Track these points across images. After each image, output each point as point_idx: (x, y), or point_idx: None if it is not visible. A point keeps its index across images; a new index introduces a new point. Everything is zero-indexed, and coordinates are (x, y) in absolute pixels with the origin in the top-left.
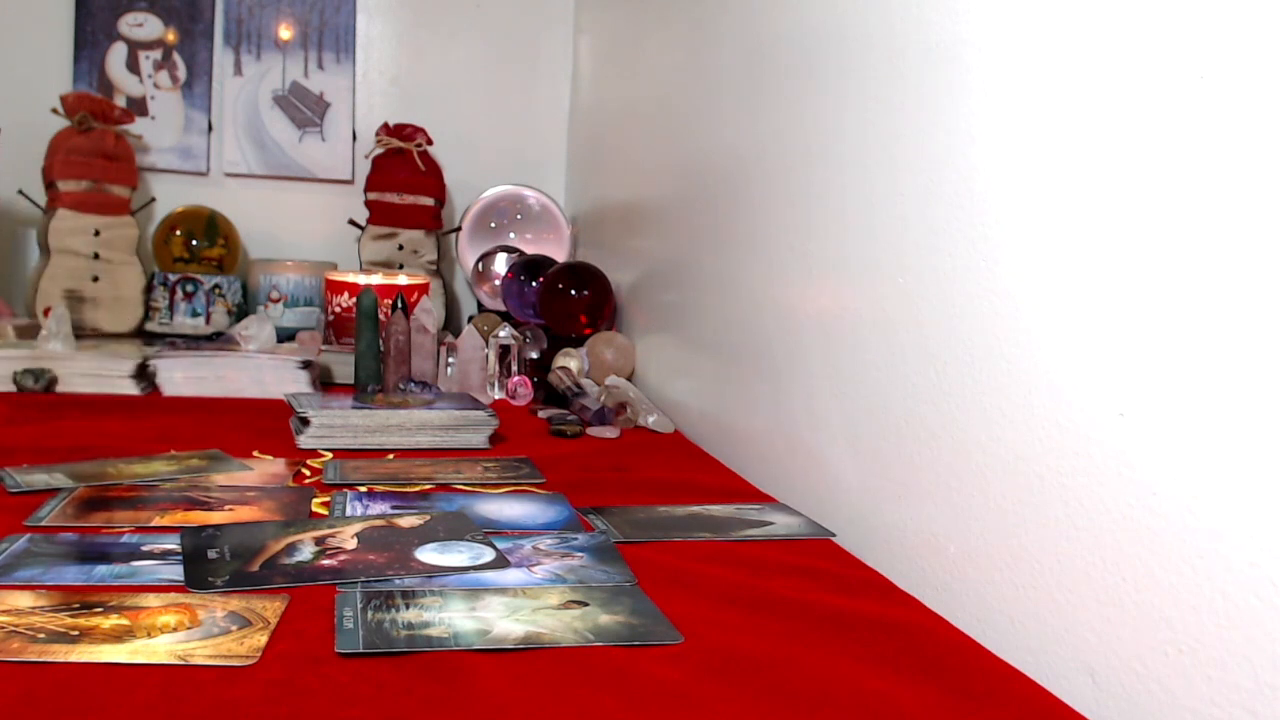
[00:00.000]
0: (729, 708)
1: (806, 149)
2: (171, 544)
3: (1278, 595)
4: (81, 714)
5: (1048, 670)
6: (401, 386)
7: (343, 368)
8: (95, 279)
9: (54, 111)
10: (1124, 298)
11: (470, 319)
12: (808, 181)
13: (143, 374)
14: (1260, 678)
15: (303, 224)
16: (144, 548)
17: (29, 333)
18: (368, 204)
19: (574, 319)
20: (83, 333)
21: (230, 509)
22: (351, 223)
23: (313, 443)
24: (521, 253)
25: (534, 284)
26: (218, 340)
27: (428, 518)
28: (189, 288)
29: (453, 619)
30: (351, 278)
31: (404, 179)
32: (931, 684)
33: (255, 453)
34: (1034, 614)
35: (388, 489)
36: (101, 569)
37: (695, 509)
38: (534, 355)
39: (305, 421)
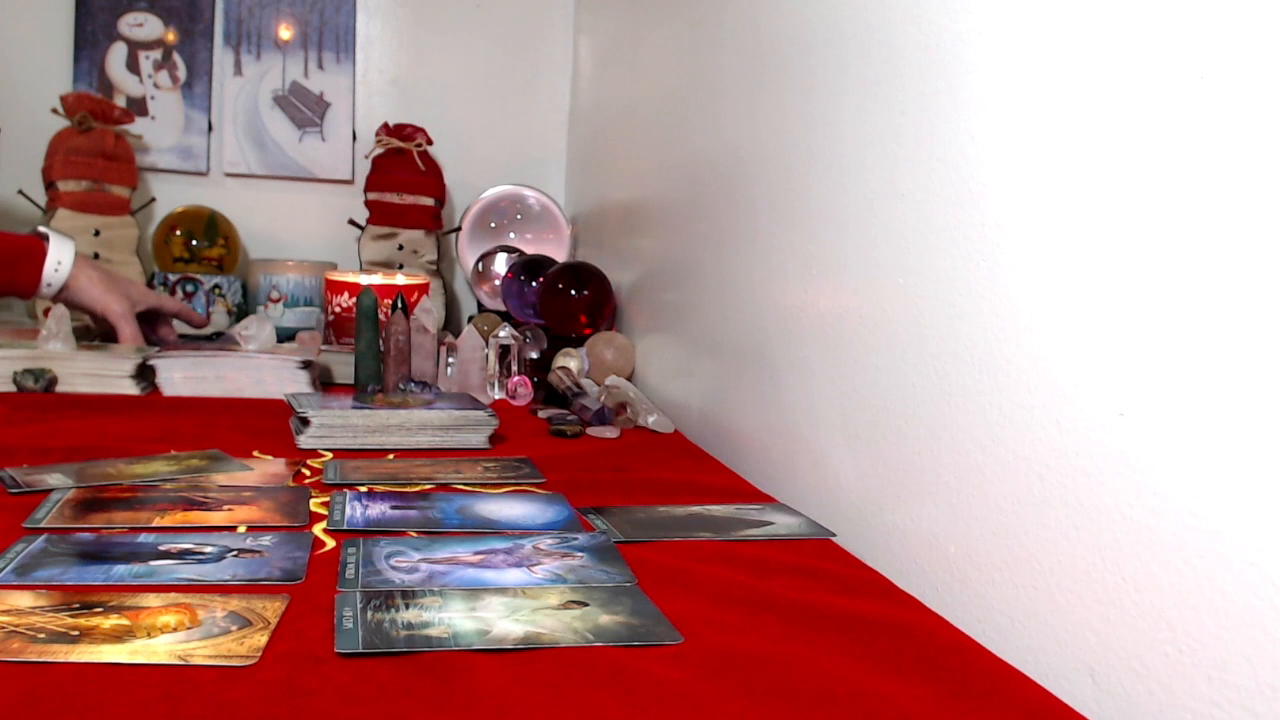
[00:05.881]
0: (729, 708)
1: (807, 149)
2: (188, 544)
3: (1278, 595)
4: (81, 714)
5: (1048, 670)
6: (401, 386)
7: (343, 368)
8: None
9: (54, 111)
10: (1124, 298)
11: (470, 319)
12: (807, 181)
13: (143, 374)
14: (1260, 678)
15: (303, 224)
16: (161, 547)
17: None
18: (368, 204)
19: (574, 319)
20: (83, 332)
21: (229, 509)
22: (351, 223)
23: (313, 443)
24: (521, 253)
25: (534, 284)
26: (218, 340)
27: None
28: (189, 288)
29: (452, 619)
30: (351, 278)
31: (404, 179)
32: (931, 684)
33: (255, 453)
34: (1034, 614)
35: (388, 489)
36: (120, 569)
37: (695, 509)
38: (534, 355)
39: (305, 421)
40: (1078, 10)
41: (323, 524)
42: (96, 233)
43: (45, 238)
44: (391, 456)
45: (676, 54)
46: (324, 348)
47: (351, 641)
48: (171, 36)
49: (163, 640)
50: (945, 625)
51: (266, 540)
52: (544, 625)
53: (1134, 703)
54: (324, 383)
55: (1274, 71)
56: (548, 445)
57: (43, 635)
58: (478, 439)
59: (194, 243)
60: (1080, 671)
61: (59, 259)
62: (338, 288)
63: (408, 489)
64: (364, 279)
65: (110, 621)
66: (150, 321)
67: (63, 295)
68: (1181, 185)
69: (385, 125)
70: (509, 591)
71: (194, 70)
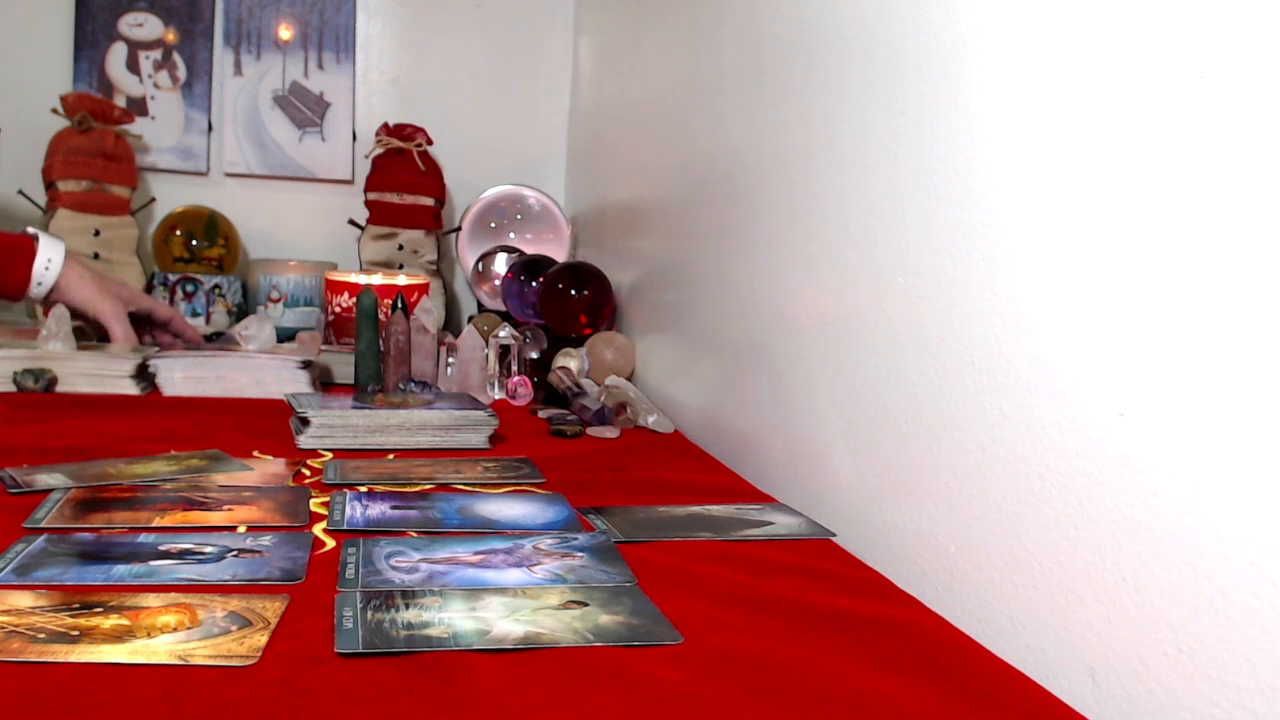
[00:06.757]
0: (729, 707)
1: (807, 149)
2: (188, 544)
3: (1278, 595)
4: (81, 714)
5: (1048, 670)
6: (401, 386)
7: (343, 368)
8: None
9: (54, 111)
10: (1124, 298)
11: (470, 319)
12: (808, 181)
13: (143, 374)
14: (1260, 678)
15: (303, 224)
16: (161, 547)
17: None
18: (368, 204)
19: (574, 319)
20: (82, 332)
21: (229, 509)
22: (351, 223)
23: (313, 443)
24: (521, 253)
25: (534, 284)
26: (218, 340)
27: None
28: (189, 288)
29: (452, 619)
30: (352, 278)
31: (404, 179)
32: (931, 684)
33: (255, 453)
34: (1034, 614)
35: (388, 489)
36: (120, 569)
37: (695, 509)
38: (534, 355)
39: (305, 421)
40: (1078, 10)
41: (323, 524)
42: (96, 233)
43: (35, 237)
44: (391, 456)
45: (676, 54)
46: (324, 348)
47: (351, 641)
48: (171, 36)
49: (163, 640)
50: (945, 625)
51: (266, 540)
52: (544, 625)
53: (1134, 703)
54: (324, 383)
55: (1274, 71)
56: (548, 445)
57: (43, 635)
58: (478, 439)
59: (194, 243)
60: (1080, 671)
61: (49, 257)
62: (338, 288)
63: (408, 489)
64: (364, 279)
65: (110, 621)
66: (145, 327)
67: (53, 296)
68: (1181, 185)
69: (385, 125)
70: (509, 591)
71: (194, 70)
